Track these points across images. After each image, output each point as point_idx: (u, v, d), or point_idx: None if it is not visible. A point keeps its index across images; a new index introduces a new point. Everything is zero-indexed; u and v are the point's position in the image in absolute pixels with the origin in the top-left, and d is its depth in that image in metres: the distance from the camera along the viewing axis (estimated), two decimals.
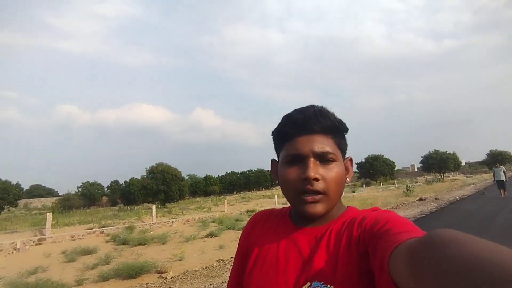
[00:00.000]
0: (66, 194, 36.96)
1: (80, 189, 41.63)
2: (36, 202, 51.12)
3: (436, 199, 15.26)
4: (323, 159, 0.61)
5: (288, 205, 0.72)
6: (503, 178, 12.97)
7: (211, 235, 9.79)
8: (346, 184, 0.66)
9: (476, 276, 0.25)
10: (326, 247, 0.59)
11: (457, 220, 8.77)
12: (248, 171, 59.26)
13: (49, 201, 50.57)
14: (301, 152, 0.60)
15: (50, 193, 67.85)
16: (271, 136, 0.70)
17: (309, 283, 0.57)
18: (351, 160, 0.70)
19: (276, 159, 0.71)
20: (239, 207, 22.89)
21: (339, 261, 0.56)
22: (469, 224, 7.98)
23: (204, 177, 51.30)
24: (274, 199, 22.65)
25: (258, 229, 0.75)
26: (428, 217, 9.81)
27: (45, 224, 13.31)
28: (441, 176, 42.88)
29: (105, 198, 45.33)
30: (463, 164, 63.80)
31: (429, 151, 44.60)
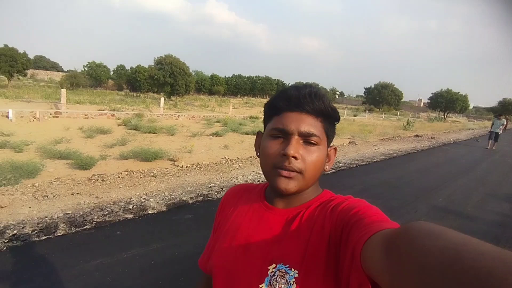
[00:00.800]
0: (72, 71, 36.95)
1: (86, 68, 41.49)
2: (42, 74, 51.43)
3: (431, 138, 15.85)
4: (307, 140, 0.60)
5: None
6: (498, 130, 12.74)
7: (216, 134, 10.52)
8: (324, 172, 0.66)
9: (452, 269, 0.26)
10: (296, 231, 0.60)
11: (442, 161, 9.45)
12: (255, 76, 58.51)
13: (54, 75, 50.92)
14: (287, 128, 0.60)
15: (54, 66, 67.64)
16: (263, 107, 0.69)
17: (274, 265, 0.58)
18: (335, 149, 0.69)
19: (263, 131, 0.70)
20: (243, 111, 23.54)
21: (309, 247, 0.57)
22: (450, 167, 8.65)
23: (211, 75, 50.83)
24: None
25: (233, 204, 0.76)
26: (418, 153, 10.50)
27: (59, 99, 13.97)
28: (444, 116, 43.02)
29: (110, 81, 45.65)
30: (470, 107, 63.03)
31: (441, 89, 43.54)
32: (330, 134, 0.65)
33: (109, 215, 3.53)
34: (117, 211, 3.64)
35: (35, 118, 10.97)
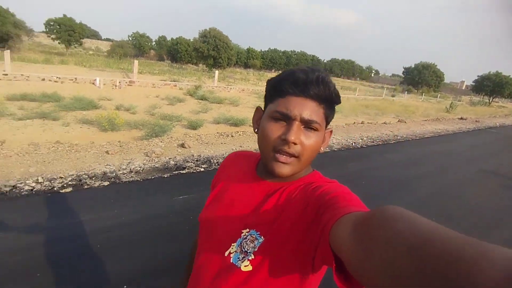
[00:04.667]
0: (120, 41, 38.74)
1: (131, 38, 43.35)
2: (88, 43, 53.90)
3: (476, 121, 16.02)
4: (308, 126, 0.61)
5: None
6: None
7: None
8: (319, 152, 0.67)
9: (421, 250, 0.27)
10: (275, 202, 0.64)
11: (489, 141, 10.07)
12: (291, 51, 58.30)
13: (97, 43, 53.43)
14: (290, 113, 0.60)
15: (94, 35, 70.03)
16: (266, 84, 0.68)
17: (248, 229, 0.63)
18: (331, 131, 0.70)
19: (263, 108, 0.71)
20: None
21: (280, 219, 0.60)
22: (497, 145, 9.38)
23: (247, 49, 51.25)
24: None
25: (229, 169, 0.81)
26: (465, 134, 11.12)
27: (123, 69, 15.40)
28: (489, 100, 41.16)
29: (152, 52, 47.43)
30: None
31: (490, 71, 41.44)
32: (329, 118, 0.65)
33: None
34: None
35: (116, 86, 12.56)
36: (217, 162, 4.63)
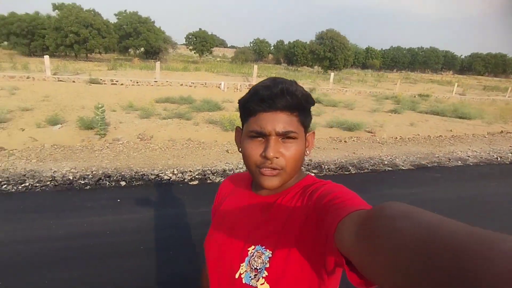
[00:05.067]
0: (242, 47, 42.48)
1: (251, 45, 46.92)
2: (216, 51, 60.96)
3: None
4: (285, 137, 0.62)
5: None
6: None
7: (393, 111, 10.53)
8: (306, 156, 0.69)
9: (426, 247, 0.26)
10: (273, 215, 0.65)
11: None
12: (417, 48, 51.81)
13: (223, 51, 59.80)
14: (264, 130, 0.61)
15: (221, 44, 78.50)
16: (238, 104, 0.69)
17: (253, 246, 0.63)
18: (313, 133, 0.72)
19: (241, 127, 0.72)
20: (406, 88, 21.79)
21: (284, 229, 0.61)
22: None
23: (366, 48, 48.24)
24: (454, 87, 20.32)
25: (225, 194, 0.82)
26: None
27: (244, 73, 16.74)
28: None
29: (270, 56, 50.15)
30: None
31: None
32: (306, 123, 0.66)
33: (375, 165, 4.82)
34: (378, 164, 4.89)
35: (237, 89, 13.81)
36: (328, 168, 4.51)
